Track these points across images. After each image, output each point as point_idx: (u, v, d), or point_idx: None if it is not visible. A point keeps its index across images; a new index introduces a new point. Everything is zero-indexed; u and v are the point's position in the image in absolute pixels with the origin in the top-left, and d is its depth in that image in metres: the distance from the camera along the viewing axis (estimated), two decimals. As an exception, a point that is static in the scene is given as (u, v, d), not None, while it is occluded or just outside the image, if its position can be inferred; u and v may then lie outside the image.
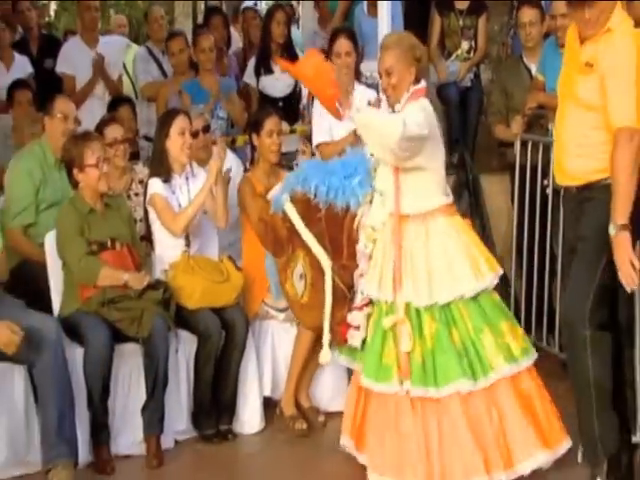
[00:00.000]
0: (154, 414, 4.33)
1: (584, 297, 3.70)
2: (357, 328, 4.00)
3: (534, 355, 4.00)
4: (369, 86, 5.24)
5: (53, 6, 16.66)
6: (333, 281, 4.11)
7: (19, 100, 6.07)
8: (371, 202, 4.04)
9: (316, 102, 5.11)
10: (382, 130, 3.79)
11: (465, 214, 4.24)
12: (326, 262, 4.14)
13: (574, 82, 3.74)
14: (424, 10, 6.90)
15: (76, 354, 4.26)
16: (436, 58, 6.67)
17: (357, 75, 5.19)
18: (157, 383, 4.32)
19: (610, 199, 3.58)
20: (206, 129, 5.13)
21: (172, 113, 4.85)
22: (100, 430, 4.28)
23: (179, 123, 4.70)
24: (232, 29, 7.67)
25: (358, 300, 4.04)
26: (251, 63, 6.67)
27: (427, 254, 3.87)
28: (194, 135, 4.84)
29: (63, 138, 4.85)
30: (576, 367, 3.79)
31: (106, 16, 12.54)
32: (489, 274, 3.93)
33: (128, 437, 4.40)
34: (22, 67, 7.13)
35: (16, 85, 6.27)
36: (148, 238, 4.84)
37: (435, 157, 3.92)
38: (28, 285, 4.62)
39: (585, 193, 3.75)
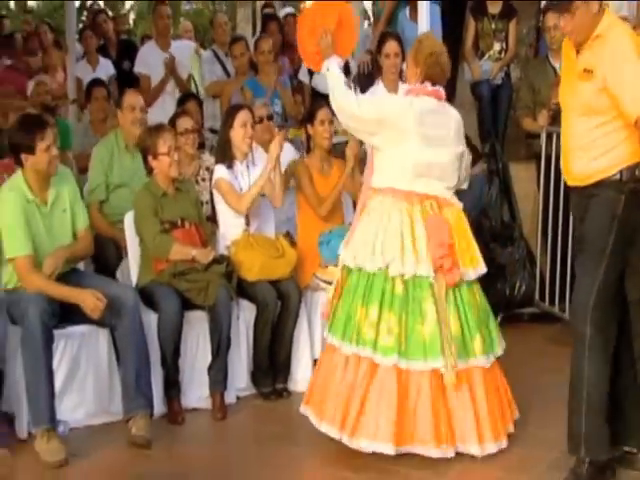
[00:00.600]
0: (218, 373, 4.36)
1: (587, 295, 3.40)
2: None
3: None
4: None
5: (132, 15, 16.80)
6: None
7: (95, 96, 6.13)
8: None
9: (367, 93, 5.09)
10: (339, 98, 3.82)
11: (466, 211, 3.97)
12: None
13: (575, 90, 3.46)
14: (460, 15, 6.82)
15: (151, 320, 4.29)
16: (470, 58, 6.58)
17: (401, 76, 5.13)
18: (221, 346, 4.34)
19: (614, 195, 3.36)
20: (269, 117, 5.21)
21: (236, 107, 4.88)
22: (172, 386, 4.32)
23: (241, 116, 4.71)
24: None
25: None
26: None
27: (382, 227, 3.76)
28: (259, 121, 4.94)
29: (133, 126, 4.96)
30: (572, 363, 3.47)
31: (177, 23, 12.57)
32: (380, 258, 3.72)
33: (196, 393, 4.42)
34: (105, 68, 7.28)
35: (93, 83, 6.34)
36: (213, 218, 4.86)
37: (392, 144, 3.75)
38: (97, 256, 4.66)
39: (590, 189, 3.46)
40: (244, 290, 4.53)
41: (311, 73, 6.56)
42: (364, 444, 3.67)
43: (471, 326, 3.75)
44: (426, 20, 4.93)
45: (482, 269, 3.84)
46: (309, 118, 4.95)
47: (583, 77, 3.39)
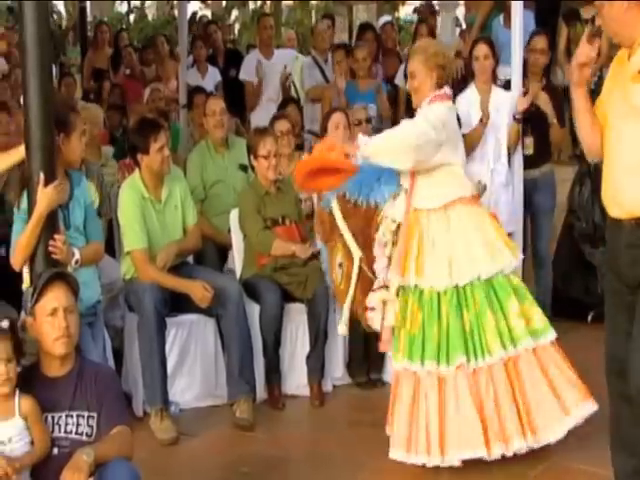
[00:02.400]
0: (316, 362, 4.42)
1: None
2: (372, 309, 3.71)
3: (546, 335, 3.67)
4: (504, 88, 5.11)
5: (237, 26, 17.11)
6: (361, 269, 3.80)
7: (196, 103, 6.23)
8: (395, 198, 3.80)
9: (458, 98, 5.07)
10: (393, 149, 3.60)
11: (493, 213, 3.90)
12: (356, 252, 3.79)
13: (629, 95, 2.88)
14: (553, 21, 6.68)
15: (254, 311, 4.38)
16: (563, 62, 6.44)
17: (494, 79, 5.07)
18: (319, 337, 4.39)
19: None
20: (368, 120, 5.24)
21: (330, 111, 4.96)
22: (273, 373, 4.40)
23: (334, 119, 4.78)
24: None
25: (375, 284, 3.76)
26: (401, 68, 6.67)
27: (449, 241, 3.63)
28: (358, 123, 4.97)
29: (216, 129, 5.09)
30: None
31: (279, 32, 12.76)
32: (507, 257, 3.65)
33: (295, 380, 4.49)
34: (213, 76, 7.47)
35: (194, 91, 6.47)
36: (311, 216, 4.93)
37: (452, 155, 3.69)
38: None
39: None
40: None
41: (406, 77, 6.54)
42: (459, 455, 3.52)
43: (511, 316, 3.63)
44: (519, 27, 4.87)
45: (520, 257, 3.82)
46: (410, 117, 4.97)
47: (638, 79, 2.85)
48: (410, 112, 5.56)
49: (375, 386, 4.59)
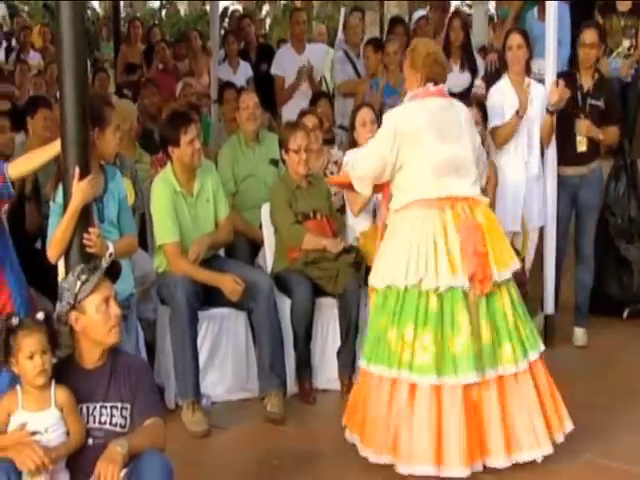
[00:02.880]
0: (347, 357, 4.41)
1: None
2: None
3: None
4: (538, 81, 5.06)
5: (268, 20, 17.13)
6: None
7: (227, 98, 6.24)
8: None
9: (492, 90, 5.03)
10: (359, 168, 3.77)
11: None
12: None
13: None
14: (588, 13, 6.58)
15: (285, 305, 4.39)
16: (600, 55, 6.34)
17: (528, 71, 5.01)
18: (350, 331, 4.38)
19: None
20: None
21: (357, 107, 4.97)
22: (303, 367, 4.41)
23: (361, 115, 4.76)
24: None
25: None
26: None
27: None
28: None
29: (248, 122, 5.11)
30: None
31: (310, 27, 12.74)
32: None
33: (326, 374, 4.49)
34: (245, 71, 7.50)
35: (225, 86, 6.47)
36: (342, 210, 4.93)
37: (411, 150, 3.57)
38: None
39: None
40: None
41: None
42: (418, 469, 3.43)
43: (501, 334, 3.51)
44: (554, 19, 4.83)
45: (516, 264, 3.63)
46: None
47: None
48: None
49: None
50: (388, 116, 3.70)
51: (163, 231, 4.21)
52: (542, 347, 3.65)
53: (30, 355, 2.70)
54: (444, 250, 3.48)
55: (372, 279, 3.69)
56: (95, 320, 2.78)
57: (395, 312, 3.50)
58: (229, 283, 4.11)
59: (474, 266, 3.45)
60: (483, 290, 3.48)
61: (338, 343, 4.45)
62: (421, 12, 8.04)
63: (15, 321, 2.74)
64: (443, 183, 3.56)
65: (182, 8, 18.44)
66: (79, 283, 2.78)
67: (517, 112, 4.80)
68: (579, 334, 5.10)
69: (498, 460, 3.46)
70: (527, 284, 5.03)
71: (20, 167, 3.27)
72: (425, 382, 3.41)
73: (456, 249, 3.47)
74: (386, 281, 3.57)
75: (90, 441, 2.77)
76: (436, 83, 3.70)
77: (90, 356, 2.82)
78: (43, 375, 2.71)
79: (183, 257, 4.18)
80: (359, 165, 3.78)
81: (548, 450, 3.52)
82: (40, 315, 2.77)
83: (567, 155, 5.03)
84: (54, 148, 3.30)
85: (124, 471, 2.65)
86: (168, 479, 2.66)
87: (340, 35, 8.26)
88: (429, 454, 3.39)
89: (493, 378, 3.48)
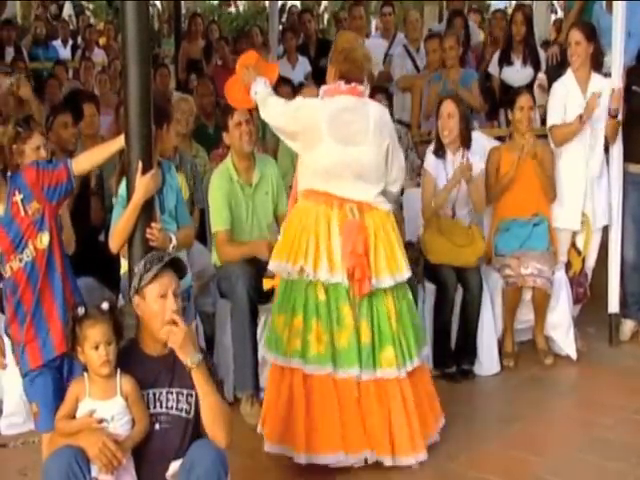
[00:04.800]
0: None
1: None
2: None
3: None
4: (605, 76, 4.94)
5: (326, 16, 17.16)
6: None
7: (281, 94, 6.18)
8: None
9: (555, 85, 4.94)
10: (266, 111, 3.75)
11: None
12: None
13: None
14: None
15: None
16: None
17: (594, 66, 4.88)
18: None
19: None
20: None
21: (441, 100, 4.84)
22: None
23: (444, 107, 4.65)
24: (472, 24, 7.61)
25: None
26: (495, 56, 6.57)
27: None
28: (447, 116, 4.80)
29: None
30: None
31: (368, 21, 12.69)
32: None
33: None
34: (304, 66, 7.53)
35: (279, 81, 6.44)
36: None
37: (309, 147, 3.55)
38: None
39: None
40: (428, 271, 4.59)
41: (501, 66, 6.44)
42: (321, 459, 3.47)
43: (383, 337, 3.49)
44: (622, 11, 4.70)
45: (404, 275, 3.57)
46: (510, 104, 4.87)
47: None
48: (506, 102, 5.45)
49: (466, 377, 4.57)
50: (296, 105, 3.66)
51: (216, 219, 4.26)
52: (422, 357, 3.62)
53: (95, 345, 2.76)
54: (325, 245, 3.47)
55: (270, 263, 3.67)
56: (152, 310, 2.82)
57: (283, 301, 3.55)
58: (260, 247, 4.12)
59: (350, 265, 3.43)
60: (360, 290, 3.46)
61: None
62: (500, 4, 7.93)
63: (81, 311, 2.80)
64: (335, 183, 3.52)
65: (241, 4, 18.61)
66: (145, 269, 2.83)
67: (580, 117, 4.68)
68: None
69: (385, 458, 3.49)
70: (587, 286, 4.97)
71: (84, 163, 3.34)
72: (322, 372, 3.44)
73: (337, 246, 3.46)
74: (274, 267, 3.60)
75: (157, 426, 2.82)
76: (349, 81, 3.57)
77: (154, 344, 2.86)
78: (107, 365, 2.77)
79: (229, 244, 4.22)
80: (266, 104, 3.77)
81: (423, 457, 3.54)
82: (105, 305, 2.82)
83: (634, 151, 4.91)
84: (118, 143, 3.36)
85: (179, 462, 2.69)
86: (222, 469, 2.69)
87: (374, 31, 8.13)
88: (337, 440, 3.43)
89: (371, 379, 3.47)
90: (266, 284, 3.80)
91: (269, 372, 3.66)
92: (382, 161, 3.58)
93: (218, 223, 4.25)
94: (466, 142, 4.67)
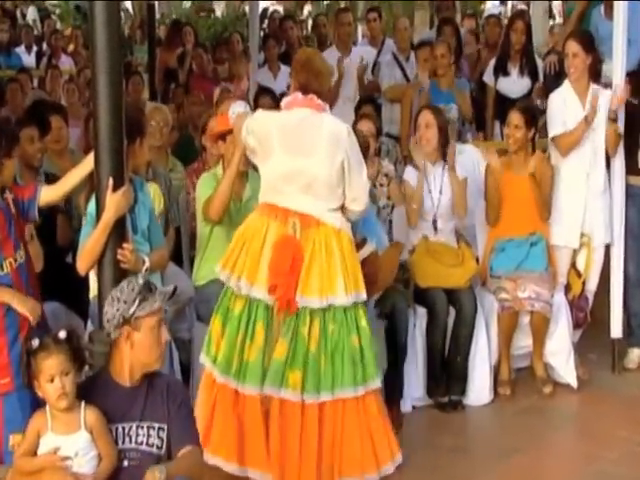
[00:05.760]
0: (395, 381, 4.41)
1: None
2: None
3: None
4: (605, 86, 5.02)
5: (310, 22, 17.25)
6: None
7: (262, 105, 6.17)
8: None
9: (552, 95, 5.01)
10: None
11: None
12: None
13: None
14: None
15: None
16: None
17: (593, 76, 4.96)
18: (398, 354, 4.40)
19: None
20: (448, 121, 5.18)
21: (420, 109, 4.95)
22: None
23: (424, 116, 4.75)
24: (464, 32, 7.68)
25: None
26: (491, 64, 6.65)
27: None
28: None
29: None
30: None
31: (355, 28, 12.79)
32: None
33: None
34: (286, 76, 7.48)
35: (259, 92, 6.40)
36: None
37: (262, 160, 3.69)
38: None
39: None
40: (418, 296, 4.62)
41: (496, 75, 6.52)
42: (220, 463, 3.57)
43: (294, 359, 3.52)
44: (623, 17, 4.77)
45: (337, 298, 3.54)
46: (503, 119, 5.00)
47: None
48: (501, 114, 5.52)
49: (455, 408, 4.60)
50: (252, 117, 3.77)
51: (204, 194, 4.27)
52: (345, 393, 3.56)
53: (50, 378, 2.76)
54: (254, 257, 3.58)
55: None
56: (147, 341, 2.85)
57: (219, 301, 3.71)
58: (236, 157, 4.11)
59: (273, 282, 3.52)
60: (282, 308, 3.54)
61: (385, 366, 4.38)
62: (494, 9, 8.01)
63: (35, 343, 2.80)
64: (283, 195, 3.61)
65: (218, 9, 18.69)
66: (138, 298, 2.84)
67: (586, 117, 4.77)
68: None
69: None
70: (588, 310, 5.01)
71: (52, 194, 3.40)
72: (221, 380, 3.60)
73: (265, 261, 3.56)
74: (216, 269, 3.75)
75: (125, 463, 2.83)
76: (306, 92, 3.66)
77: (130, 375, 2.88)
78: (64, 398, 2.76)
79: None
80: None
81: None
82: (62, 333, 2.82)
83: (635, 163, 4.99)
84: (86, 166, 3.39)
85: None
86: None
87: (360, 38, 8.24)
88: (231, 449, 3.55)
89: (277, 398, 3.52)
90: None
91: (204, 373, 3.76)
92: (335, 176, 3.62)
93: (204, 195, 4.27)
94: (445, 154, 4.77)
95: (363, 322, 3.61)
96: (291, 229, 3.57)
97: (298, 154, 3.60)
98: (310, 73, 3.69)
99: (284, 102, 3.77)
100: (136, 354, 2.85)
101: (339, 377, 3.54)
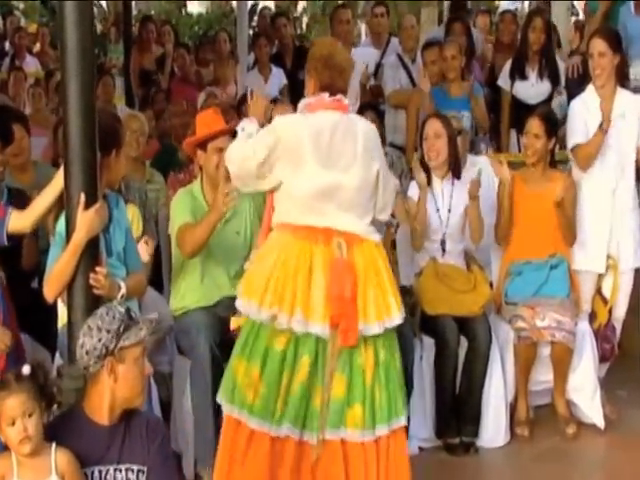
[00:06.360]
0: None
1: None
2: None
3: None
4: (635, 90, 5.06)
5: (305, 19, 17.37)
6: None
7: (247, 112, 6.23)
8: None
9: (573, 102, 5.06)
10: (232, 150, 3.69)
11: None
12: None
13: None
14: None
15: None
16: None
17: (620, 79, 5.00)
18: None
19: None
20: (459, 132, 5.18)
21: (427, 117, 5.01)
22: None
23: (432, 125, 4.81)
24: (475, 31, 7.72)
25: None
26: (506, 67, 6.67)
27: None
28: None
29: None
30: None
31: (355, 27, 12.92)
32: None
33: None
34: (278, 79, 7.62)
35: (245, 98, 6.51)
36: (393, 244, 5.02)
37: (289, 172, 3.54)
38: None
39: None
40: (425, 324, 4.66)
41: (512, 78, 6.57)
42: None
43: (353, 393, 3.50)
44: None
45: (393, 320, 3.55)
46: (519, 128, 5.04)
47: None
48: (518, 122, 5.56)
49: (468, 451, 4.62)
50: (275, 121, 3.66)
51: (177, 218, 4.27)
52: (400, 422, 3.58)
53: (11, 421, 2.76)
54: (304, 289, 3.47)
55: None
56: (132, 374, 2.89)
57: (246, 345, 3.54)
58: (218, 200, 4.09)
59: (337, 312, 3.45)
60: (347, 341, 3.48)
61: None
62: (509, 4, 8.00)
63: None
64: (321, 213, 3.55)
65: (202, 5, 18.80)
66: (122, 327, 2.87)
67: (600, 125, 4.82)
68: None
69: None
70: (615, 341, 5.04)
71: (21, 222, 3.42)
72: (261, 429, 3.47)
73: (319, 291, 3.47)
74: (242, 307, 3.58)
75: (103, 510, 2.85)
76: (333, 92, 3.63)
77: (109, 412, 2.90)
78: (27, 443, 2.76)
79: (189, 229, 4.21)
80: (231, 154, 3.70)
81: None
82: (25, 369, 2.83)
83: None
84: (55, 187, 3.42)
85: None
86: None
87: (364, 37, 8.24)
88: None
89: (337, 440, 3.50)
90: (234, 323, 3.78)
91: (223, 424, 3.65)
92: (371, 188, 3.64)
93: (180, 219, 4.27)
94: (456, 169, 4.82)
95: (395, 340, 3.66)
96: (337, 250, 3.50)
97: (333, 167, 3.54)
98: (334, 70, 3.63)
99: (305, 104, 3.65)
100: (119, 388, 2.88)
101: (393, 406, 3.55)
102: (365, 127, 3.69)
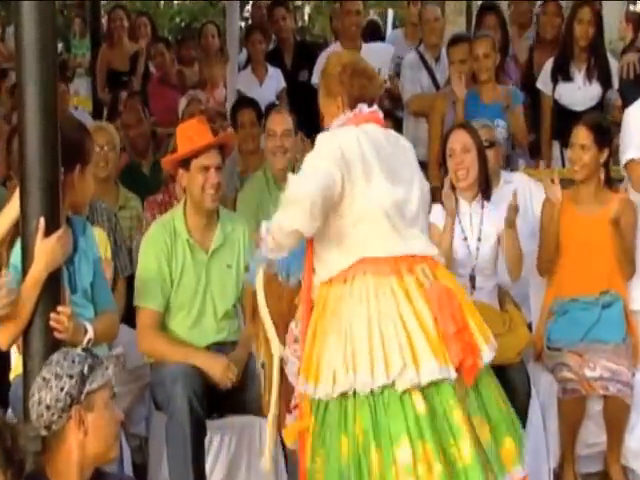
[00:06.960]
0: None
1: None
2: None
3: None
4: None
5: (307, 10, 17.47)
6: (282, 372, 3.79)
7: (242, 121, 6.26)
8: None
9: (629, 109, 5.09)
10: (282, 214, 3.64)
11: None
12: (276, 348, 3.78)
13: None
14: None
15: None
16: None
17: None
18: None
19: None
20: (492, 144, 5.25)
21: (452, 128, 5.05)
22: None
23: (457, 137, 4.85)
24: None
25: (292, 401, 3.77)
26: (547, 66, 6.68)
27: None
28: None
29: (274, 156, 5.33)
30: None
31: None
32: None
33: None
34: (276, 80, 7.65)
35: (239, 104, 6.53)
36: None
37: (358, 190, 3.54)
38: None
39: None
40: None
41: (555, 80, 6.58)
42: None
43: (499, 429, 3.57)
44: None
45: (494, 342, 3.68)
46: (563, 139, 5.12)
47: None
48: (562, 132, 5.58)
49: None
50: (326, 137, 3.67)
51: (141, 292, 4.36)
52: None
53: None
54: (418, 330, 3.46)
55: (311, 389, 3.56)
56: (103, 421, 2.90)
57: (368, 428, 3.44)
58: (217, 368, 4.20)
59: (460, 349, 3.48)
60: (473, 378, 3.54)
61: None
62: None
63: None
64: (400, 237, 3.59)
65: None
66: (85, 368, 2.89)
67: None
68: None
69: None
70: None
71: None
72: None
73: (431, 328, 3.48)
74: (340, 387, 3.49)
75: None
76: (370, 103, 3.73)
77: (79, 474, 2.90)
78: None
79: (160, 334, 4.31)
80: (289, 199, 3.61)
81: None
82: None
83: None
84: (11, 211, 3.44)
85: None
86: None
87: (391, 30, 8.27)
88: None
89: None
90: (289, 437, 3.72)
91: None
92: (426, 206, 3.80)
93: (144, 297, 4.34)
94: (486, 189, 4.84)
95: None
96: (424, 278, 3.55)
97: (400, 183, 3.64)
98: (363, 77, 3.75)
99: (342, 121, 3.69)
100: (90, 441, 2.90)
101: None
102: (407, 143, 3.84)
